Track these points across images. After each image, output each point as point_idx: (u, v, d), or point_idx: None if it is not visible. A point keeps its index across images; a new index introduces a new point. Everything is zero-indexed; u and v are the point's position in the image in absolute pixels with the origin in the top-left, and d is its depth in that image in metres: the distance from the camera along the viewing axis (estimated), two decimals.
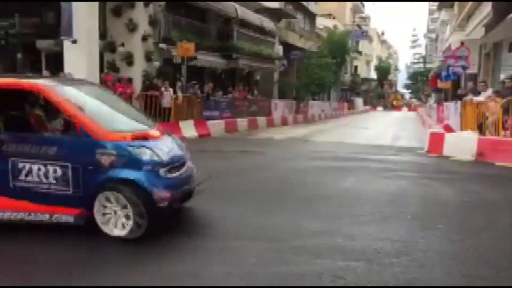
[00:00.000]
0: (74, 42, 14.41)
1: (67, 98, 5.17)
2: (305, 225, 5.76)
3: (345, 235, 5.43)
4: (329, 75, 35.22)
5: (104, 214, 5.00)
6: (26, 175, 5.00)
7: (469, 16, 23.63)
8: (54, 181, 4.97)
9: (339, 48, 39.58)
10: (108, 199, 4.98)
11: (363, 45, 65.09)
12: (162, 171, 5.07)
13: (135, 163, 4.96)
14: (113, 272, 4.28)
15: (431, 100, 44.56)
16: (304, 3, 37.92)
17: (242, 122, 20.63)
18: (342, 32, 43.84)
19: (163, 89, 16.37)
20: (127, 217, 4.95)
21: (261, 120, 23.03)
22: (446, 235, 5.57)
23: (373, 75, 76.27)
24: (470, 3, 22.01)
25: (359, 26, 61.10)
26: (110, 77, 15.99)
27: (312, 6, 40.65)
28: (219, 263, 4.51)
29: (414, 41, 79.05)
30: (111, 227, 4.99)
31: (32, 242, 4.94)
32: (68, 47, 14.57)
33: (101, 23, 16.86)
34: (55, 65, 15.19)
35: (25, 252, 4.73)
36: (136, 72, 17.58)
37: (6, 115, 5.42)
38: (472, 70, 22.74)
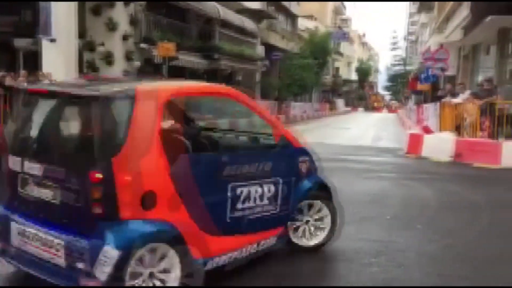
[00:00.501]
0: (52, 41, 14.21)
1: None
2: None
3: None
4: (310, 76, 35.40)
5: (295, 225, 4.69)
6: (243, 202, 4.06)
7: (448, 19, 24.01)
8: (267, 202, 4.24)
9: (321, 49, 39.81)
10: (301, 210, 4.70)
11: (344, 47, 65.57)
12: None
13: (317, 167, 4.82)
14: None
15: (411, 102, 45.10)
16: (286, 4, 38.04)
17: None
18: (324, 33, 44.11)
19: None
20: (317, 224, 4.80)
21: None
22: (424, 235, 5.62)
23: (354, 76, 76.91)
24: (449, 5, 22.36)
25: (340, 27, 61.54)
26: (89, 76, 15.78)
27: (293, 7, 40.79)
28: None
29: (394, 43, 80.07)
30: (304, 238, 4.75)
31: None
32: (46, 46, 14.36)
33: (80, 22, 16.68)
34: (33, 64, 14.95)
35: None
36: (116, 72, 17.39)
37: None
38: (451, 72, 23.10)
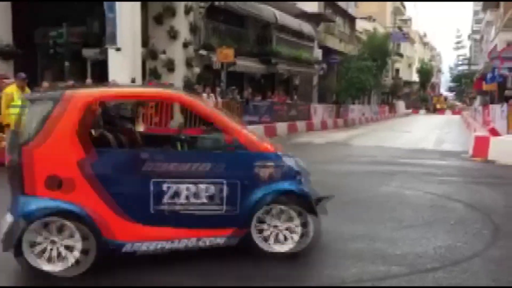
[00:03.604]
0: (118, 50, 14.88)
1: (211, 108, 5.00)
2: (345, 229, 5.73)
3: (386, 239, 5.37)
4: (369, 79, 34.79)
5: (261, 230, 4.63)
6: (172, 197, 4.35)
7: None
8: (206, 201, 4.41)
9: (380, 51, 39.02)
10: (267, 214, 4.62)
11: (404, 48, 63.93)
12: (302, 180, 4.84)
13: (291, 173, 4.70)
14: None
15: (476, 103, 43.24)
16: (343, 6, 37.67)
17: (281, 127, 20.67)
18: (383, 34, 43.20)
19: (204, 94, 16.56)
20: (290, 230, 4.66)
21: (301, 124, 23.00)
22: (491, 241, 5.41)
23: (415, 77, 74.74)
24: None
25: (400, 28, 60.04)
26: (152, 83, 16.36)
27: (351, 9, 40.32)
28: (252, 266, 4.55)
29: (458, 43, 77.03)
30: (269, 243, 4.63)
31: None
32: (112, 55, 15.05)
33: (144, 31, 17.37)
34: (100, 73, 15.73)
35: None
36: (177, 79, 17.95)
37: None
38: None
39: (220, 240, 4.47)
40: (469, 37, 73.41)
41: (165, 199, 4.31)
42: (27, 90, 9.69)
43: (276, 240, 4.65)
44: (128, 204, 4.24)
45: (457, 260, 4.71)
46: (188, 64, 18.52)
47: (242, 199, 4.46)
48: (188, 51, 18.57)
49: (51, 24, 15.01)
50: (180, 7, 18.15)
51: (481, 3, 42.12)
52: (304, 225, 4.66)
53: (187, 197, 4.35)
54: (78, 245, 4.09)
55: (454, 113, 60.42)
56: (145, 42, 18.02)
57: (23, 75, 9.67)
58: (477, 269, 4.51)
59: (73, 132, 4.15)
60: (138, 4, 15.68)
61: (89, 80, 14.20)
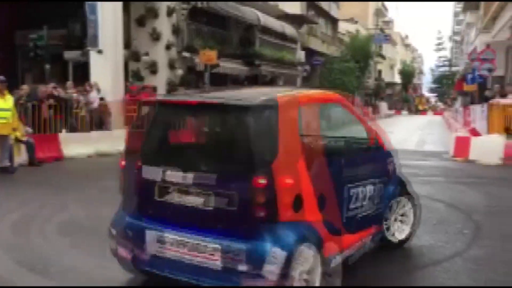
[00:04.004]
0: (100, 52, 14.74)
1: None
2: None
3: None
4: (352, 80, 35.01)
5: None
6: (354, 202, 4.21)
7: (494, 18, 23.23)
8: (367, 202, 4.39)
9: (362, 53, 39.30)
10: (390, 207, 4.89)
11: (386, 49, 64.51)
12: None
13: (398, 168, 5.05)
14: None
15: (457, 104, 43.81)
16: (326, 8, 37.87)
17: None
18: (365, 36, 43.54)
19: None
20: (402, 219, 5.07)
21: None
22: (472, 241, 5.48)
23: (397, 79, 75.48)
24: (495, 4, 21.65)
25: (382, 30, 60.59)
26: (135, 86, 16.26)
27: (334, 11, 40.55)
28: None
29: (439, 44, 78.13)
30: (394, 234, 4.94)
31: None
32: (94, 57, 14.91)
33: (126, 33, 17.23)
34: (82, 75, 15.56)
35: None
36: (160, 81, 17.85)
37: None
38: (499, 72, 22.28)
39: (369, 239, 4.46)
40: (450, 38, 74.55)
41: (352, 205, 4.16)
42: (7, 93, 9.54)
43: (394, 229, 4.96)
44: (340, 215, 4.01)
45: (439, 260, 4.77)
46: (171, 66, 18.42)
47: (386, 195, 4.69)
48: (171, 53, 18.47)
49: (32, 26, 14.82)
50: (163, 8, 18.05)
51: (461, 4, 42.73)
52: (414, 209, 5.12)
53: (361, 200, 4.29)
54: (319, 270, 3.58)
55: (436, 114, 61.16)
56: (127, 44, 17.88)
57: (2, 78, 9.50)
58: (458, 269, 4.57)
59: (301, 142, 3.63)
60: (120, 5, 15.56)
61: (70, 83, 14.04)
